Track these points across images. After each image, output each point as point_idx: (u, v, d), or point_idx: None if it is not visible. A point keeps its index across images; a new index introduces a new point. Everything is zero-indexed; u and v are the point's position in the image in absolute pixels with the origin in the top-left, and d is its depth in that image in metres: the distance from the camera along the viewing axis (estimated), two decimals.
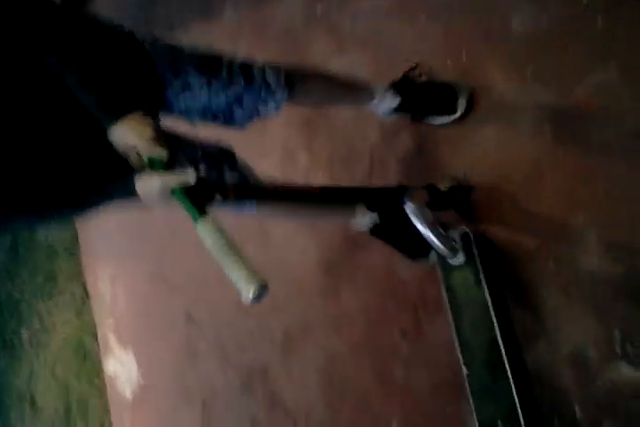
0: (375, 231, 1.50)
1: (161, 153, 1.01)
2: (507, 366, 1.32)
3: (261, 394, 2.31)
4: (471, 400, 1.40)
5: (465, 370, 1.41)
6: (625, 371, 1.15)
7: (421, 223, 1.31)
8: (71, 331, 4.50)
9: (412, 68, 1.58)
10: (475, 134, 1.51)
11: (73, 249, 4.76)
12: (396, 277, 1.71)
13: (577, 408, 1.23)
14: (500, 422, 1.32)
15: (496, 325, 1.35)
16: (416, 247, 1.50)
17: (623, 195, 1.19)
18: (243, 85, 1.27)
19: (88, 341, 4.18)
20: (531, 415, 1.28)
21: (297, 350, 2.12)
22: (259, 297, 0.96)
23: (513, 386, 1.31)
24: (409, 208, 1.31)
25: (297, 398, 2.11)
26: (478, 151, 1.51)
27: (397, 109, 1.58)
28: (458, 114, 1.53)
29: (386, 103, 1.55)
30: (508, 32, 1.45)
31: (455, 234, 1.45)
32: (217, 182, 1.25)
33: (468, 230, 1.44)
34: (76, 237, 4.79)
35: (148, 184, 1.02)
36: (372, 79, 1.64)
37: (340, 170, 1.89)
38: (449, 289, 1.49)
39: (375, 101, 1.54)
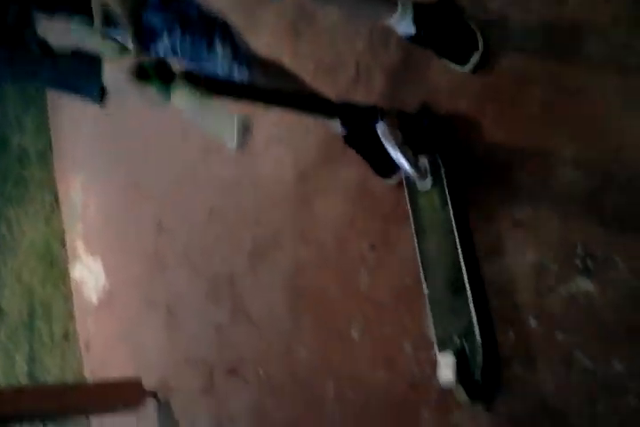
0: (349, 140, 1.51)
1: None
2: (467, 286, 1.34)
3: (227, 302, 2.35)
4: (430, 317, 1.43)
5: (426, 289, 1.44)
6: (582, 285, 1.18)
7: (391, 145, 1.31)
8: (39, 237, 4.49)
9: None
10: None
11: (46, 156, 4.68)
12: (370, 191, 1.71)
13: (532, 320, 1.26)
14: (456, 338, 1.35)
15: (459, 246, 1.37)
16: (385, 164, 1.51)
17: (606, 110, 1.18)
18: None
19: (56, 247, 4.18)
20: (487, 331, 1.32)
21: (265, 260, 2.14)
22: (243, 138, 0.96)
23: (472, 305, 1.33)
24: (380, 129, 1.31)
25: (262, 307, 2.15)
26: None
27: (412, 38, 1.44)
28: (467, 68, 1.43)
29: (403, 26, 1.40)
30: None
31: (424, 158, 1.44)
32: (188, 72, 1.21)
33: (436, 155, 1.43)
34: (49, 145, 4.70)
35: (114, 69, 1.00)
36: None
37: (325, 76, 1.84)
38: (415, 213, 1.50)
39: (393, 19, 1.38)
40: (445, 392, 1.40)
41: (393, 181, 1.59)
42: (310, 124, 1.87)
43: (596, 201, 1.18)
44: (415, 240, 1.48)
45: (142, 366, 3.01)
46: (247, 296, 2.24)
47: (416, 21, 1.40)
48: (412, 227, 1.49)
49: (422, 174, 1.41)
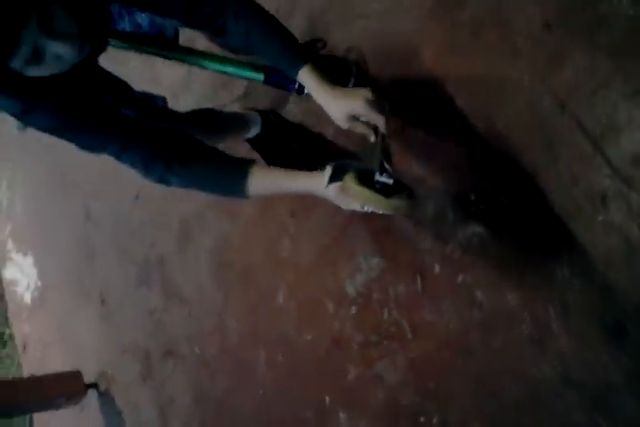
0: (253, 142, 1.72)
1: None
2: None
3: (157, 285, 2.37)
4: None
5: None
6: (476, 229, 1.26)
7: None
8: None
9: (315, 40, 1.64)
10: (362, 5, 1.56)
11: None
12: None
13: (436, 266, 1.34)
14: None
15: None
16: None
17: (488, 65, 1.27)
18: None
19: None
20: None
21: (191, 238, 2.16)
22: None
23: None
24: None
25: (192, 285, 2.17)
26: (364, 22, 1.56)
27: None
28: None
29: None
30: None
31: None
32: None
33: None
34: None
35: None
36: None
37: None
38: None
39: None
40: (367, 345, 1.47)
41: None
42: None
43: (477, 154, 1.27)
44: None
45: (81, 359, 2.98)
46: (177, 276, 2.26)
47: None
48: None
49: None
